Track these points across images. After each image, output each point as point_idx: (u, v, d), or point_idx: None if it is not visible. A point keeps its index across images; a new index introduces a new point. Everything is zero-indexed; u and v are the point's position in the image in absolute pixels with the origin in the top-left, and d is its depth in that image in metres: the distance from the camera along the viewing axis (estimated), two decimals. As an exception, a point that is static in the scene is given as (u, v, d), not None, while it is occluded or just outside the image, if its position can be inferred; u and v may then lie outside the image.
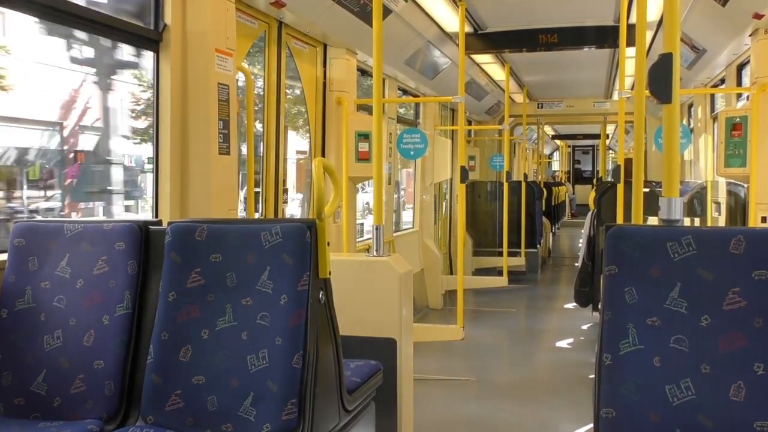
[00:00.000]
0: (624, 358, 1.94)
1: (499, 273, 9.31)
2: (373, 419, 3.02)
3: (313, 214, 2.43)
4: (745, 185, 5.30)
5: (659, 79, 2.17)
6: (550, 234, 13.93)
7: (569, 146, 27.14)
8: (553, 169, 27.70)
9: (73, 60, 4.87)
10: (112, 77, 5.23)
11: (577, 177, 28.15)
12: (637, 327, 1.94)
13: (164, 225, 2.58)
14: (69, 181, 5.42)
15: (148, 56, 3.55)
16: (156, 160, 3.47)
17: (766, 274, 1.87)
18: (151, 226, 2.61)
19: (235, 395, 2.27)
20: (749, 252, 1.90)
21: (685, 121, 8.75)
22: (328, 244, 2.43)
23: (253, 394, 2.25)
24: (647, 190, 4.99)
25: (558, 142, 24.71)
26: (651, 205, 3.12)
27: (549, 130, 19.98)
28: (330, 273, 2.43)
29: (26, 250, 2.58)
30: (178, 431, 2.28)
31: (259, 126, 4.64)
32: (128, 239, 2.53)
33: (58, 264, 2.55)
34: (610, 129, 15.70)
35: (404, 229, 8.43)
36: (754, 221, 4.95)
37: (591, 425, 2.01)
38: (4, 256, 2.64)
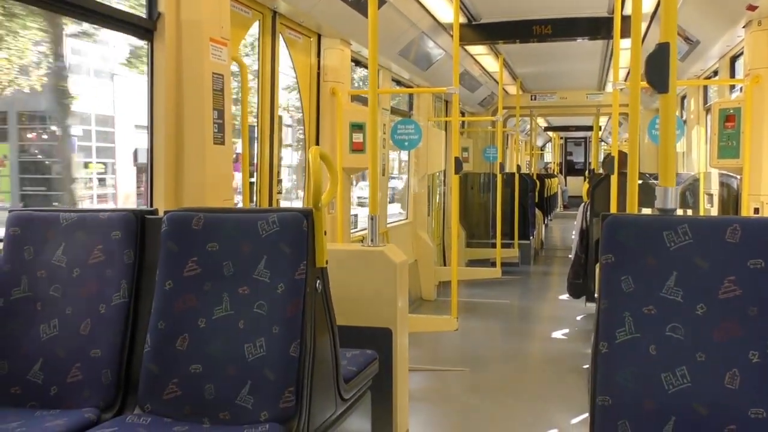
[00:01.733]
0: (620, 346, 1.95)
1: (492, 264, 9.33)
2: (369, 408, 3.03)
3: (307, 202, 2.42)
4: (738, 177, 5.32)
5: (656, 69, 2.18)
6: (543, 225, 13.97)
7: (561, 138, 27.16)
8: (545, 160, 27.70)
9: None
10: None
11: (569, 169, 28.17)
12: (633, 315, 1.95)
13: (159, 214, 2.57)
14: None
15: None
16: (150, 149, 3.45)
17: (761, 263, 1.89)
18: (147, 215, 2.60)
19: (232, 384, 2.27)
20: (744, 241, 1.91)
21: (677, 113, 8.77)
22: (325, 233, 2.43)
23: (250, 383, 2.25)
24: (641, 181, 5.00)
25: (550, 133, 24.72)
26: (644, 196, 3.13)
27: (541, 122, 19.99)
28: (327, 262, 2.43)
29: (22, 238, 2.57)
30: (175, 420, 2.28)
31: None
32: (124, 228, 2.53)
33: (54, 253, 2.54)
34: (602, 121, 15.71)
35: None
36: (746, 213, 4.98)
37: (584, 415, 2.02)
38: None
